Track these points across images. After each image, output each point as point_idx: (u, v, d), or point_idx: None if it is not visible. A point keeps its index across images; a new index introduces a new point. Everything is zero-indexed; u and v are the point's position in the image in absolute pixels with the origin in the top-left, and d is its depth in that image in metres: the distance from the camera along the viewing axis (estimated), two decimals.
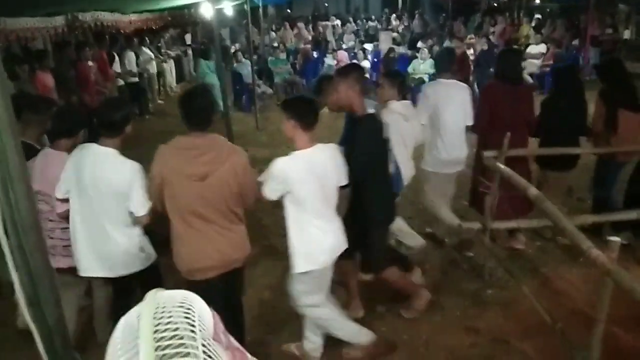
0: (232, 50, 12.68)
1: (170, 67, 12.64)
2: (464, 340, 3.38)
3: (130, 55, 9.83)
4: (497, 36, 12.98)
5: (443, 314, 3.66)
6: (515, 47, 11.75)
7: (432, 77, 10.90)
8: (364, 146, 3.02)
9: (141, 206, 2.75)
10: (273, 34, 16.20)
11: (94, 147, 2.79)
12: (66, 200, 2.83)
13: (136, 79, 9.95)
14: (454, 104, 4.15)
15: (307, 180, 2.68)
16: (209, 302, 0.91)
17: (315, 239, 2.80)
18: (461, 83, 4.45)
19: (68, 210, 2.85)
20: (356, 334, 3.12)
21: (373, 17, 21.05)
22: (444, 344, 3.36)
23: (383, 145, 3.16)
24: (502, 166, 3.68)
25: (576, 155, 4.40)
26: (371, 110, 3.19)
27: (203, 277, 2.65)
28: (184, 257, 2.68)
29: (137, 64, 10.09)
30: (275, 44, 13.26)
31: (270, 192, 2.73)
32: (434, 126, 4.19)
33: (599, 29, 12.09)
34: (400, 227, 4.05)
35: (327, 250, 2.84)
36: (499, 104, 4.08)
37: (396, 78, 3.95)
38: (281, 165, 2.67)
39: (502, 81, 4.18)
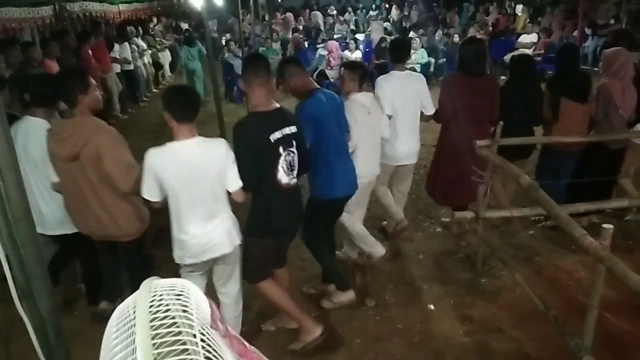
0: (224, 41, 12.58)
1: (165, 56, 12.79)
2: (458, 329, 3.39)
3: (125, 45, 9.99)
4: (477, 25, 13.00)
5: (437, 303, 3.68)
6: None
7: (424, 67, 10.94)
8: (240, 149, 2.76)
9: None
10: (265, 22, 16.09)
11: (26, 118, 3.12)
12: None
13: (131, 67, 10.12)
14: (408, 95, 4.06)
15: (175, 173, 2.57)
16: None
17: (185, 237, 2.69)
18: (416, 73, 4.39)
19: None
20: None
21: (373, 6, 21.00)
22: (438, 332, 3.37)
23: (272, 146, 2.81)
24: (494, 155, 3.69)
25: (532, 145, 4.40)
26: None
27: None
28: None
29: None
30: (265, 35, 13.21)
31: (146, 190, 2.62)
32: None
33: (604, 18, 12.11)
34: (358, 232, 3.87)
35: (196, 250, 2.72)
36: (459, 95, 4.01)
37: (356, 69, 3.76)
38: (149, 156, 2.56)
39: (463, 73, 4.09)
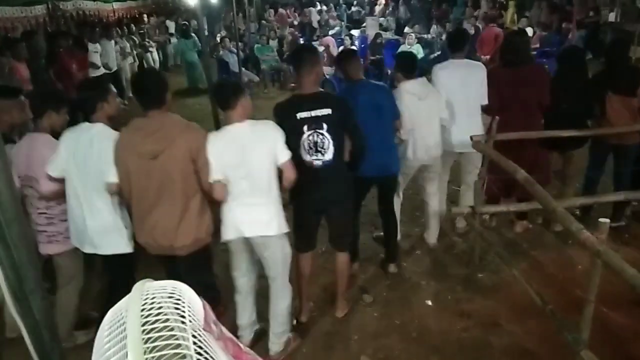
0: (218, 38, 12.52)
1: (152, 56, 12.41)
2: (456, 324, 3.39)
3: (106, 45, 9.47)
4: (480, 20, 12.94)
5: (434, 299, 3.68)
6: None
7: (420, 62, 10.90)
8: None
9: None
10: (264, 21, 15.98)
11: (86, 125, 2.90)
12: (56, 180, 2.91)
13: (110, 71, 9.54)
14: (466, 83, 4.10)
15: (225, 153, 2.74)
16: None
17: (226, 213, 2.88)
18: (475, 62, 4.43)
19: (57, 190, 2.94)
20: None
21: (355, 2, 20.84)
22: (436, 328, 3.38)
23: (296, 124, 3.05)
24: (491, 150, 3.68)
25: (583, 137, 4.32)
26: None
27: (154, 253, 2.89)
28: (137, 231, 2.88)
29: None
30: (260, 32, 13.16)
31: (212, 172, 2.75)
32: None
33: (583, 12, 12.13)
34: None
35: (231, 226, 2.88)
36: (505, 88, 4.03)
37: (403, 61, 4.07)
38: (209, 140, 2.77)
39: (506, 65, 4.12)
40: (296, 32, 12.94)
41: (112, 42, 9.85)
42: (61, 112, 3.07)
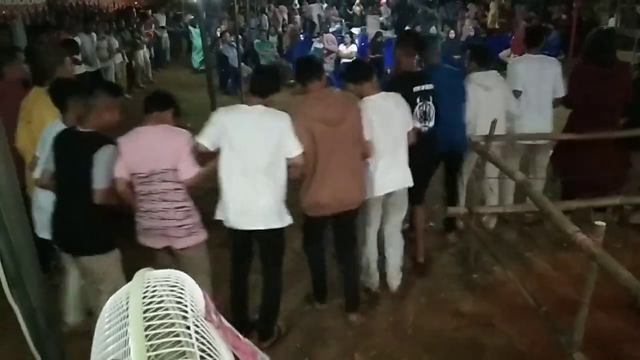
0: (218, 32, 12.48)
1: (144, 54, 11.58)
2: (449, 323, 3.40)
3: (83, 38, 8.77)
4: (470, 20, 13.00)
5: (429, 297, 3.69)
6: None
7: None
8: None
9: None
10: (265, 16, 15.89)
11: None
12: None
13: (93, 68, 8.95)
14: (541, 77, 4.25)
15: (374, 120, 3.20)
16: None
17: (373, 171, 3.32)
18: (550, 57, 4.54)
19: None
20: None
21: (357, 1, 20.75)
22: (429, 326, 3.39)
23: (413, 95, 3.59)
24: (489, 152, 3.69)
25: None
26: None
27: (327, 214, 3.17)
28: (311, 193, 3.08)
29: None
30: (260, 28, 13.11)
31: (367, 133, 3.20)
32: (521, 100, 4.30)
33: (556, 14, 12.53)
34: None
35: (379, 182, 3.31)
36: (589, 85, 4.07)
37: (476, 52, 4.34)
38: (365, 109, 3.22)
39: (592, 62, 4.15)
40: (298, 28, 12.89)
41: (93, 36, 9.16)
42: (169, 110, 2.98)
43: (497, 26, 13.18)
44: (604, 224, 2.39)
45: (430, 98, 3.63)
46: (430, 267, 4.06)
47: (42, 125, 3.06)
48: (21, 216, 1.48)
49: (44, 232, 3.02)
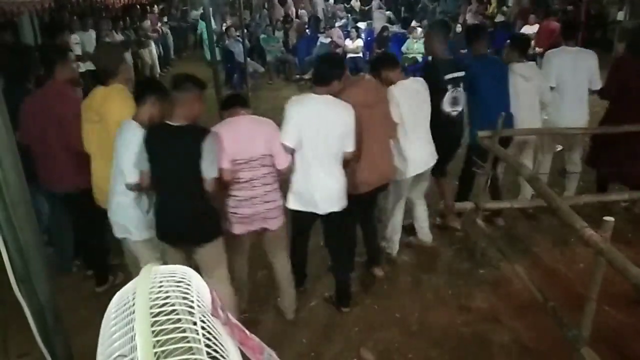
0: (224, 27, 12.45)
1: (151, 54, 11.40)
2: (456, 319, 3.40)
3: (83, 37, 8.57)
4: (472, 13, 12.92)
5: (435, 293, 3.68)
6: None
7: (426, 56, 10.84)
8: None
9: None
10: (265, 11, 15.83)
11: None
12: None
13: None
14: (577, 69, 4.34)
15: (403, 103, 3.55)
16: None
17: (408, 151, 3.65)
18: (586, 50, 4.57)
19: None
20: None
21: None
22: (436, 322, 3.38)
23: (444, 82, 3.91)
24: (497, 146, 3.67)
25: None
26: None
27: (366, 190, 3.39)
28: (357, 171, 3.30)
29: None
30: (266, 23, 13.05)
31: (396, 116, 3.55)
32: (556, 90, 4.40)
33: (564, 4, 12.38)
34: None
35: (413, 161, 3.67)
36: (628, 77, 4.13)
37: (516, 43, 4.44)
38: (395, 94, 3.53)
39: (633, 55, 4.23)
40: (304, 23, 12.85)
41: (92, 33, 8.91)
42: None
43: (502, 18, 13.07)
44: (612, 219, 2.37)
45: (461, 85, 3.93)
46: (436, 262, 4.06)
47: (118, 124, 3.01)
48: (29, 213, 1.48)
49: (124, 232, 3.04)
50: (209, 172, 2.71)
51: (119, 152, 2.89)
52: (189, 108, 2.74)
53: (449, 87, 3.88)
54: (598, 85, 4.39)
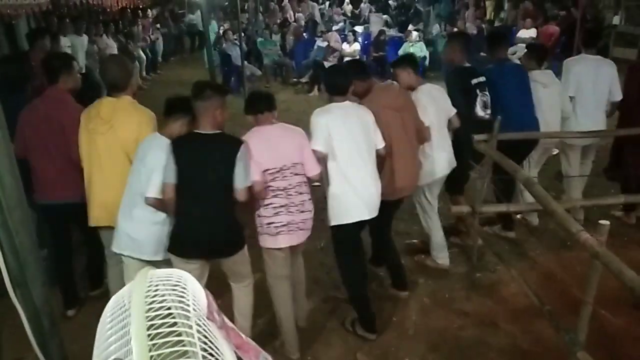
0: (221, 31, 12.47)
1: (138, 57, 11.04)
2: (453, 323, 3.40)
3: (75, 40, 8.43)
4: (470, 19, 12.97)
5: (432, 297, 3.69)
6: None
7: (422, 60, 10.88)
8: None
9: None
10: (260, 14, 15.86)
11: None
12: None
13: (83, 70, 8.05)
14: (597, 77, 4.35)
15: (428, 106, 3.63)
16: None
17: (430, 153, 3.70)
18: (606, 59, 4.60)
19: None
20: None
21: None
22: (433, 326, 3.38)
23: (472, 87, 4.04)
24: (493, 150, 3.68)
25: None
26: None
27: (400, 196, 3.45)
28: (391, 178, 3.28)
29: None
30: (263, 26, 13.06)
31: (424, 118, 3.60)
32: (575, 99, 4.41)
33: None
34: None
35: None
36: None
37: (534, 52, 4.49)
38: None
39: None
40: (301, 27, 12.87)
41: (83, 37, 8.77)
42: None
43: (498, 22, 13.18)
44: (608, 222, 2.38)
45: (487, 88, 4.05)
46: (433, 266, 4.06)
47: (131, 135, 2.94)
48: (24, 217, 1.48)
49: (133, 250, 2.88)
50: (241, 181, 2.67)
51: (146, 165, 2.75)
52: (213, 115, 2.70)
53: (478, 91, 4.01)
54: (619, 95, 4.38)
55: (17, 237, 1.46)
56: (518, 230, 4.56)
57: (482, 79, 4.04)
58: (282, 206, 2.88)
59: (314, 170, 2.97)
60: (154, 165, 2.70)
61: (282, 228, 2.90)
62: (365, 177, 3.05)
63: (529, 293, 3.16)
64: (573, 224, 2.54)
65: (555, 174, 4.97)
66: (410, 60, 3.90)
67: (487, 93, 4.05)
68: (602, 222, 2.37)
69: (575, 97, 4.36)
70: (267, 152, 2.83)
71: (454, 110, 3.79)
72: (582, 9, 10.77)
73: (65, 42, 7.86)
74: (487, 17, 13.91)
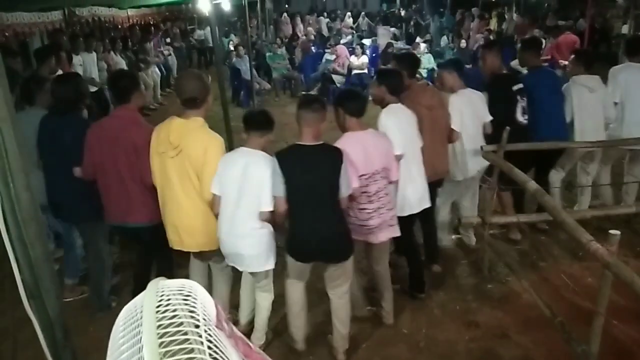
0: (232, 46, 12.60)
1: (152, 74, 10.92)
2: (464, 334, 3.38)
3: (86, 58, 8.28)
4: (474, 31, 13.00)
5: (443, 308, 3.67)
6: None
7: (430, 72, 10.90)
8: None
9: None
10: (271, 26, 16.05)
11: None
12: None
13: (95, 88, 7.83)
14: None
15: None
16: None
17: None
18: None
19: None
20: None
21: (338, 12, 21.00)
22: (444, 337, 3.36)
23: (513, 93, 4.24)
24: (501, 160, 3.68)
25: None
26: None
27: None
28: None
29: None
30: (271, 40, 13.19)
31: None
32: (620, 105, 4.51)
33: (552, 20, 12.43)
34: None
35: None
36: None
37: (581, 57, 4.56)
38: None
39: None
40: (309, 41, 12.98)
41: (93, 55, 8.58)
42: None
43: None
44: (618, 232, 2.37)
45: (525, 94, 4.21)
46: (444, 278, 4.04)
47: (198, 161, 2.88)
48: (39, 230, 1.51)
49: (250, 265, 3.02)
50: (344, 189, 2.78)
51: (250, 182, 2.81)
52: (317, 127, 2.81)
53: (518, 97, 4.17)
54: None
55: (32, 250, 1.49)
56: (528, 240, 4.53)
57: (521, 85, 4.21)
58: (374, 210, 3.06)
59: (397, 175, 3.20)
60: (260, 181, 2.79)
61: (373, 230, 3.11)
62: (419, 175, 3.49)
63: (540, 304, 3.14)
64: (583, 234, 2.53)
65: (565, 184, 4.94)
66: (456, 64, 4.18)
67: (525, 99, 4.19)
68: (612, 232, 2.37)
69: (622, 104, 4.45)
70: (363, 157, 2.98)
71: (490, 117, 4.01)
72: (590, 18, 10.78)
73: (77, 61, 7.82)
74: (494, 27, 13.98)
